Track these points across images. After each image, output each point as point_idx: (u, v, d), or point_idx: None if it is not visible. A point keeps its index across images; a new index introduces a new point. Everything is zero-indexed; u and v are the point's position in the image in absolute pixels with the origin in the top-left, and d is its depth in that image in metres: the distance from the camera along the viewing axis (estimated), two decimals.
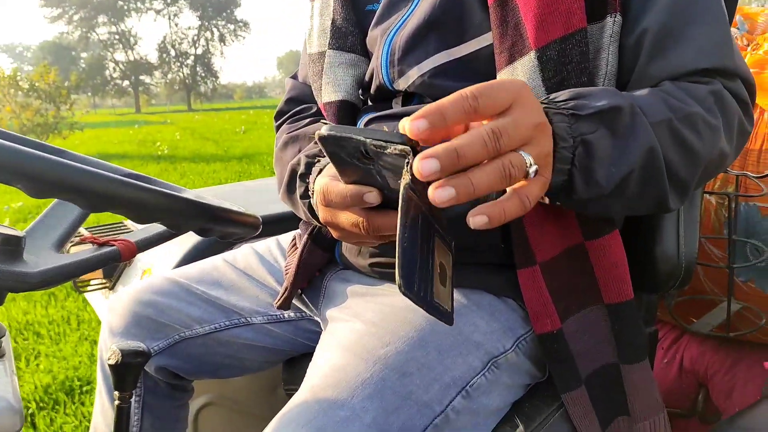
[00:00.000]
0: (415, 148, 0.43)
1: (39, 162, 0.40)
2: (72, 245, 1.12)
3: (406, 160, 0.43)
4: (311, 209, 0.70)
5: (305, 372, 0.67)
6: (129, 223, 1.48)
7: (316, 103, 0.87)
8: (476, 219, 0.44)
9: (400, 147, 0.43)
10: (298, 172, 0.72)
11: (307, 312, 0.87)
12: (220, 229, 0.55)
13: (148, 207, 0.44)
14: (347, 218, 0.56)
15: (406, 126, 0.43)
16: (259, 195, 1.50)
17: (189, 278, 0.90)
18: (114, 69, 75.24)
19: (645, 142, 0.55)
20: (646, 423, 0.70)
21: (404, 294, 0.41)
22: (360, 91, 0.81)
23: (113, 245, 0.59)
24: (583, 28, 0.62)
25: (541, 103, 0.52)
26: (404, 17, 0.74)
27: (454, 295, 0.69)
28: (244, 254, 0.94)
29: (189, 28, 76.37)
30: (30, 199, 6.00)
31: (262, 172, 7.84)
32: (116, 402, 0.68)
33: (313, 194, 0.67)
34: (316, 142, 0.63)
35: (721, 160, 0.64)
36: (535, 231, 0.65)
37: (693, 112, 0.59)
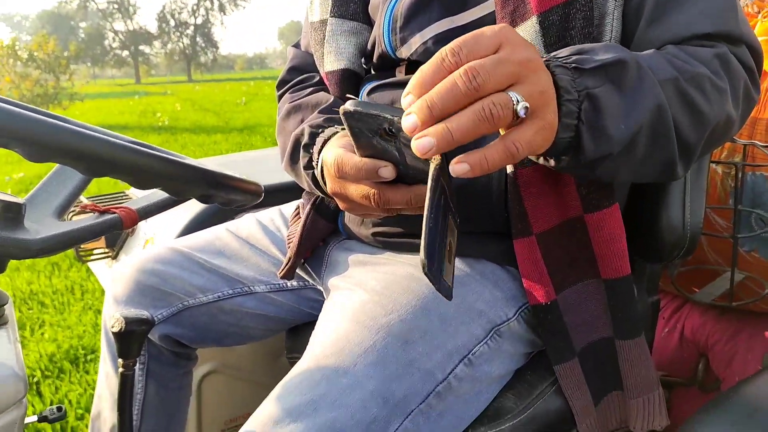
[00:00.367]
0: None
1: (38, 125, 0.39)
2: (73, 214, 1.11)
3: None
4: (315, 180, 0.69)
5: (308, 340, 0.68)
6: (130, 192, 1.47)
7: (318, 72, 0.86)
8: (456, 167, 0.43)
9: None
10: (302, 143, 0.71)
11: (310, 281, 0.87)
12: (222, 195, 0.55)
13: (149, 172, 0.44)
14: (358, 190, 0.55)
15: (404, 121, 0.42)
16: (261, 165, 1.49)
17: (192, 247, 0.90)
18: (113, 39, 74.43)
19: (653, 98, 0.53)
20: (639, 400, 0.70)
21: (426, 273, 0.41)
22: (363, 60, 0.79)
23: (115, 213, 0.58)
24: None
25: (546, 60, 0.50)
26: None
27: (458, 263, 0.69)
28: (246, 224, 0.94)
29: None
30: (31, 170, 5.99)
31: (263, 144, 7.80)
32: (120, 369, 0.69)
33: (317, 165, 0.66)
34: (321, 116, 0.62)
35: (728, 126, 0.62)
36: (533, 201, 0.64)
37: (699, 72, 0.57)
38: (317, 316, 0.73)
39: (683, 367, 1.18)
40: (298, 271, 0.86)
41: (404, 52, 0.71)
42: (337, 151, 0.56)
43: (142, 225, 1.25)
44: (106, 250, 1.32)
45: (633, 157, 0.55)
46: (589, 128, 0.50)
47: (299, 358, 0.64)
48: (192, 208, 1.15)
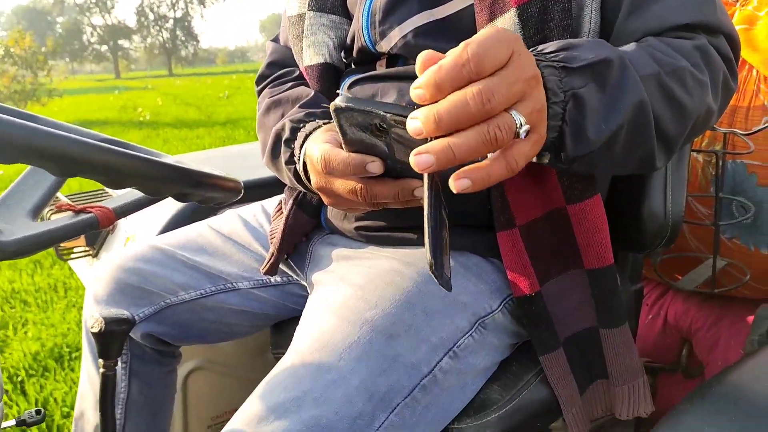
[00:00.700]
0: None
1: (5, 126, 0.38)
2: (52, 213, 1.10)
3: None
4: (296, 175, 0.68)
5: (293, 336, 0.67)
6: (111, 190, 1.45)
7: (298, 66, 0.85)
8: (459, 182, 0.42)
9: None
10: (283, 137, 0.70)
11: (294, 276, 0.86)
12: (200, 193, 0.54)
13: (122, 171, 0.43)
14: (344, 185, 0.54)
15: (409, 124, 0.41)
16: (243, 160, 1.47)
17: (173, 245, 0.89)
18: (91, 34, 73.41)
19: (635, 96, 0.53)
20: (624, 387, 0.70)
21: (433, 273, 0.41)
22: (342, 54, 0.79)
23: (91, 212, 0.57)
24: None
25: (537, 58, 0.50)
26: None
27: None
28: (228, 220, 0.93)
29: None
30: (7, 170, 5.90)
31: (246, 137, 7.75)
32: (101, 370, 0.68)
33: (299, 159, 0.65)
34: (306, 112, 0.61)
35: (708, 117, 0.63)
36: (515, 194, 0.64)
37: (681, 66, 0.57)
38: (301, 311, 0.72)
39: (667, 354, 1.19)
40: (281, 266, 0.85)
41: (384, 46, 0.71)
42: (323, 146, 0.55)
43: (123, 222, 1.24)
44: (87, 248, 1.30)
45: (612, 153, 0.55)
46: (572, 128, 0.50)
47: (284, 354, 0.64)
48: (173, 204, 1.13)
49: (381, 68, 0.74)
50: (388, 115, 0.44)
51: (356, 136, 0.49)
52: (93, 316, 0.69)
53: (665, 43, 0.60)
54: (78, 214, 0.58)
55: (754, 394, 0.46)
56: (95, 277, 0.88)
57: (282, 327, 0.91)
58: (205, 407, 1.18)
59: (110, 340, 0.67)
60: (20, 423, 0.70)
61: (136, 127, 9.72)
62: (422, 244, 0.71)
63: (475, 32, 0.65)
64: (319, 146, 0.56)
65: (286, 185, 0.82)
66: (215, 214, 1.01)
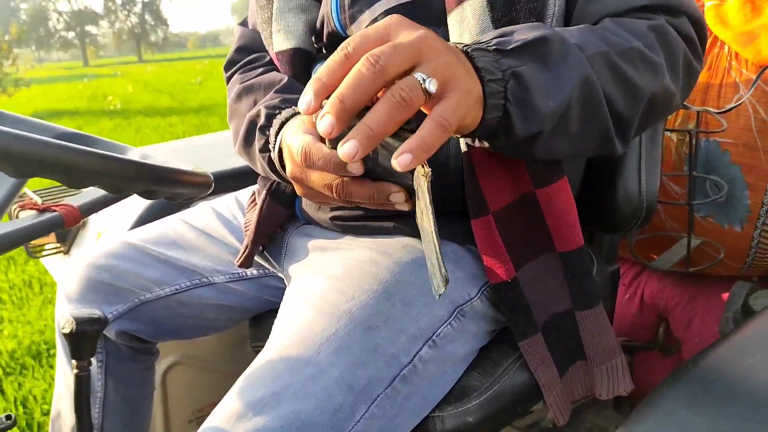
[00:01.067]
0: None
1: None
2: (19, 211, 1.07)
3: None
4: (270, 163, 0.67)
5: (271, 329, 0.66)
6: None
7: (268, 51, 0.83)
8: (400, 159, 0.42)
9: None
10: (258, 124, 0.68)
11: (270, 269, 0.85)
12: (167, 190, 0.52)
13: (81, 170, 0.41)
14: (320, 179, 0.53)
15: (319, 125, 0.43)
16: (214, 150, 1.45)
17: (145, 240, 0.87)
18: (58, 20, 71.50)
19: (579, 72, 0.54)
20: (603, 367, 0.71)
21: (445, 288, 0.43)
22: (313, 38, 0.77)
23: (55, 211, 0.55)
24: None
25: (466, 46, 0.51)
26: None
27: (418, 245, 0.68)
28: (201, 213, 0.91)
29: None
30: None
31: (221, 125, 7.64)
32: (75, 371, 0.66)
33: (274, 147, 0.64)
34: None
35: (666, 99, 0.63)
36: (487, 180, 0.64)
37: (631, 47, 0.58)
38: (279, 303, 0.71)
39: (644, 332, 1.21)
40: (257, 258, 0.84)
41: (354, 30, 0.69)
42: (304, 138, 0.54)
43: (94, 217, 1.21)
44: (58, 245, 1.27)
45: (566, 133, 0.55)
46: (516, 107, 0.50)
47: (263, 347, 0.63)
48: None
49: None
50: (389, 138, 0.45)
51: (341, 136, 0.48)
52: (64, 317, 0.67)
53: (619, 24, 0.60)
54: (42, 213, 0.56)
55: (729, 376, 0.47)
56: (66, 276, 0.86)
57: (260, 320, 0.90)
58: (186, 402, 1.17)
59: (82, 341, 0.65)
60: None
61: (106, 116, 9.52)
62: (399, 234, 0.70)
63: (445, 15, 0.64)
64: (300, 137, 0.54)
65: (259, 175, 0.80)
66: (188, 207, 0.99)
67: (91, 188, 0.60)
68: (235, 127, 0.78)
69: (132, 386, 0.90)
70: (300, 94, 0.72)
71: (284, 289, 0.79)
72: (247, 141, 0.72)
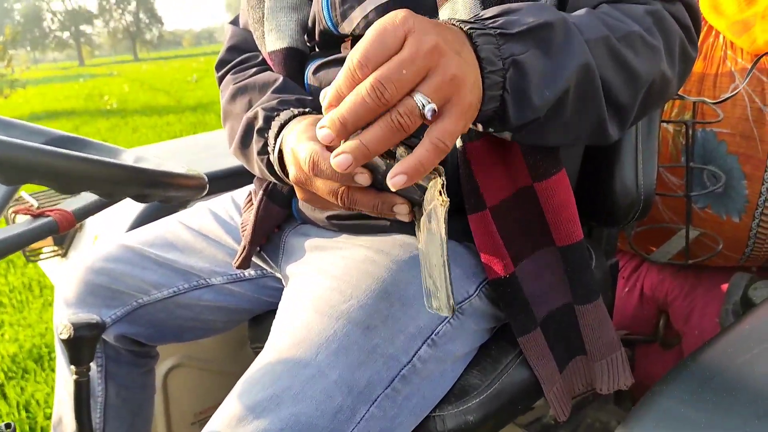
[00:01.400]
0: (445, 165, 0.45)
1: None
2: (16, 215, 1.06)
3: (441, 181, 0.45)
4: (269, 166, 0.67)
5: (270, 329, 0.66)
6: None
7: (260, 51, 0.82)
8: (395, 180, 0.43)
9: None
10: (256, 127, 0.68)
11: (268, 269, 0.85)
12: (160, 193, 0.52)
13: (72, 176, 0.40)
14: (326, 186, 0.54)
15: (319, 133, 0.44)
16: (210, 149, 1.44)
17: (142, 242, 0.86)
18: (52, 20, 71.23)
19: (580, 58, 0.53)
20: (603, 362, 0.70)
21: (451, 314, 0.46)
22: (305, 37, 0.76)
23: (49, 216, 0.55)
24: None
25: (467, 22, 0.50)
26: None
27: (416, 244, 0.68)
28: (198, 214, 0.90)
29: None
30: None
31: (217, 122, 7.61)
32: (74, 377, 0.66)
33: (273, 150, 0.64)
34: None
35: (664, 85, 0.62)
36: (483, 175, 0.64)
37: (632, 31, 0.57)
38: (278, 304, 0.71)
39: (644, 325, 1.21)
40: (254, 259, 0.84)
41: (346, 28, 0.68)
42: (311, 146, 0.53)
43: (90, 219, 1.20)
44: (55, 248, 1.27)
45: (560, 120, 0.55)
46: (513, 97, 0.50)
47: (263, 348, 0.63)
48: None
49: (346, 50, 0.72)
50: (403, 149, 0.47)
51: None
52: (62, 323, 0.67)
53: (617, 8, 0.60)
54: (36, 219, 0.56)
55: (729, 372, 0.47)
56: (63, 280, 0.86)
57: (259, 321, 0.90)
58: (187, 404, 1.17)
59: (80, 346, 0.65)
60: None
61: (103, 116, 9.49)
62: (396, 231, 0.70)
63: (437, 9, 0.64)
64: (307, 145, 0.54)
65: (255, 175, 0.80)
66: (185, 208, 0.99)
67: (84, 192, 0.60)
68: (230, 129, 0.77)
69: (132, 390, 0.90)
70: (296, 93, 0.72)
71: (282, 289, 0.79)
72: (244, 143, 0.71)
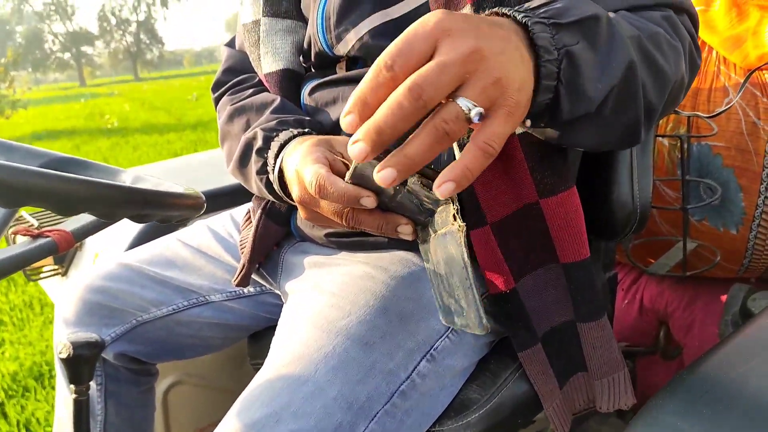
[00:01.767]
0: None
1: None
2: (15, 236, 1.07)
3: (455, 207, 0.45)
4: (269, 185, 0.67)
5: (270, 346, 0.66)
6: None
7: (256, 73, 0.83)
8: (443, 188, 0.41)
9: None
10: (255, 147, 0.68)
11: (267, 286, 0.85)
12: (158, 213, 0.52)
13: (70, 199, 0.41)
14: (330, 207, 0.54)
15: (351, 149, 0.40)
16: (211, 167, 1.45)
17: (141, 261, 0.87)
18: (53, 42, 71.81)
19: (625, 55, 0.51)
20: (604, 381, 0.70)
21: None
22: (301, 58, 0.77)
23: (48, 236, 0.55)
24: None
25: (517, 11, 0.47)
26: None
27: (414, 259, 0.68)
28: (197, 232, 0.91)
29: None
30: None
31: (218, 140, 7.64)
32: (73, 396, 0.66)
33: (273, 170, 0.64)
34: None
35: (680, 88, 0.62)
36: (484, 190, 0.63)
37: (657, 31, 0.57)
38: (277, 320, 0.71)
39: (645, 337, 1.20)
40: (253, 276, 0.84)
41: (341, 50, 0.69)
42: (317, 169, 0.54)
43: (90, 238, 1.21)
44: (56, 267, 1.27)
45: (601, 118, 0.53)
46: (567, 88, 0.48)
47: (262, 365, 0.63)
48: None
49: (341, 71, 0.73)
50: (414, 177, 0.47)
51: (366, 176, 0.50)
52: (61, 342, 0.67)
53: (635, 12, 0.59)
54: (36, 239, 0.56)
55: (726, 384, 0.47)
56: (63, 299, 0.86)
57: (258, 337, 0.90)
58: (187, 421, 1.17)
59: (80, 365, 0.65)
60: None
61: (104, 135, 9.54)
62: (395, 248, 0.70)
63: None
64: (313, 168, 0.54)
65: (254, 194, 0.80)
66: (184, 226, 0.99)
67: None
68: (228, 149, 0.78)
69: (132, 408, 0.90)
70: (293, 114, 0.73)
71: (281, 305, 0.79)
72: (243, 162, 0.72)
